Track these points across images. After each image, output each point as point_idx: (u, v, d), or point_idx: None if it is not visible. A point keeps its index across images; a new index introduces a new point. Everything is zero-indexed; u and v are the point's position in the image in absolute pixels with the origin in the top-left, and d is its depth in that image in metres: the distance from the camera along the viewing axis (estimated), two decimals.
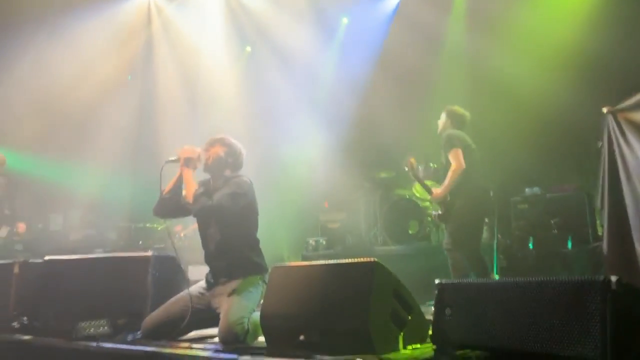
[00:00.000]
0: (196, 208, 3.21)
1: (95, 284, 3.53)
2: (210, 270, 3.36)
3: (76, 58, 7.81)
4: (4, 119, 7.65)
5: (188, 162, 3.32)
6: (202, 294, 3.31)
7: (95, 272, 3.60)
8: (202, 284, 3.37)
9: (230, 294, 3.15)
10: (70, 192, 8.15)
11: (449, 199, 4.29)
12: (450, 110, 4.64)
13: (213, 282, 3.29)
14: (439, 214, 4.37)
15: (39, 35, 7.49)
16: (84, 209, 8.33)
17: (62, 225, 8.39)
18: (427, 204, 6.41)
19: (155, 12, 8.63)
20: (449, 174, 4.25)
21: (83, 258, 3.84)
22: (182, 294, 3.31)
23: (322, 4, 8.07)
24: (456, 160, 4.22)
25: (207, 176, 3.48)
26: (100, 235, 8.00)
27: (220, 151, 3.38)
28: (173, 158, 3.38)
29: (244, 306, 3.08)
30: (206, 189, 3.34)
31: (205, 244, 3.38)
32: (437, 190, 4.37)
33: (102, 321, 3.32)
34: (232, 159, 3.38)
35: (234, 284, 3.20)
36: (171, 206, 3.39)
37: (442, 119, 4.63)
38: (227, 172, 3.37)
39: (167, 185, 3.38)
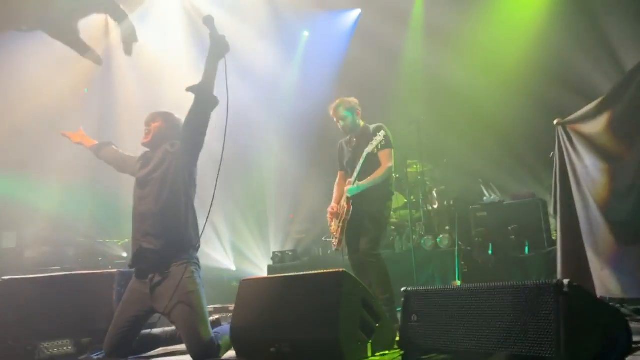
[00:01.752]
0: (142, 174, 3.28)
1: (57, 303, 3.44)
2: (139, 256, 3.14)
3: (30, 70, 7.60)
4: None
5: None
6: (140, 297, 3.13)
7: (57, 291, 3.51)
8: (133, 283, 3.19)
9: (180, 301, 2.99)
10: (24, 208, 7.88)
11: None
12: (353, 101, 4.13)
13: (146, 274, 3.11)
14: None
15: None
16: (39, 226, 8.05)
17: (15, 242, 8.09)
18: (392, 213, 6.54)
19: (113, 24, 8.49)
20: (380, 171, 3.86)
21: (44, 277, 3.74)
22: (121, 305, 3.16)
23: (283, 18, 8.16)
24: (389, 159, 3.88)
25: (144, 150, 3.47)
26: (58, 252, 7.75)
27: (161, 125, 3.40)
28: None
29: (205, 316, 3.00)
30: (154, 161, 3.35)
31: (139, 221, 3.20)
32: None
33: (65, 341, 3.24)
34: (173, 131, 3.40)
35: (175, 278, 3.03)
36: (107, 158, 3.77)
37: (347, 114, 4.06)
38: (167, 145, 3.35)
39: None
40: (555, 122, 3.98)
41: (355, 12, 8.40)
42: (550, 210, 4.53)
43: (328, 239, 4.21)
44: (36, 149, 7.89)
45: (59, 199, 7.90)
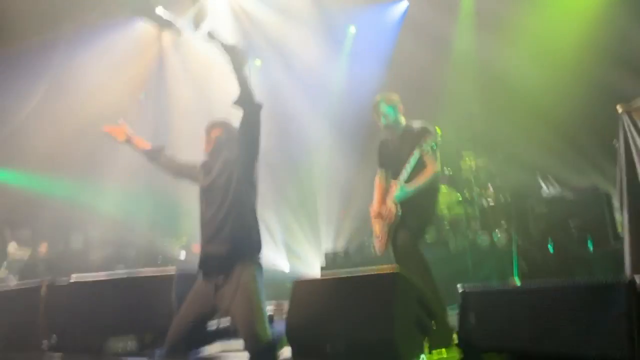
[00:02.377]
0: (206, 183, 3.33)
1: (122, 301, 3.59)
2: (206, 259, 3.27)
3: (90, 78, 7.97)
4: (24, 141, 7.82)
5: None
6: (204, 298, 3.23)
7: (121, 291, 3.67)
8: (201, 284, 3.29)
9: (241, 298, 3.08)
10: (89, 211, 8.29)
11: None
12: (394, 97, 3.97)
13: (211, 275, 3.23)
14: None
15: (54, 57, 7.65)
16: (103, 228, 8.45)
17: (82, 244, 8.54)
18: (445, 210, 6.40)
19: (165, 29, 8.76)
20: (427, 174, 3.71)
21: (108, 278, 3.91)
22: (186, 304, 3.28)
23: (329, 13, 8.14)
24: (435, 160, 3.74)
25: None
26: (121, 253, 8.12)
27: (221, 134, 3.46)
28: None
29: (264, 314, 3.05)
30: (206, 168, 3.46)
31: (205, 226, 3.34)
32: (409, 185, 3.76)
33: (129, 337, 3.38)
34: (232, 139, 3.46)
35: (236, 277, 3.13)
36: (167, 167, 3.79)
37: (389, 110, 3.90)
38: (227, 152, 3.41)
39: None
40: (619, 109, 3.75)
41: (403, 5, 8.27)
42: (616, 203, 4.30)
43: (372, 240, 4.10)
44: (97, 153, 8.27)
45: (120, 202, 8.27)
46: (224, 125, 3.55)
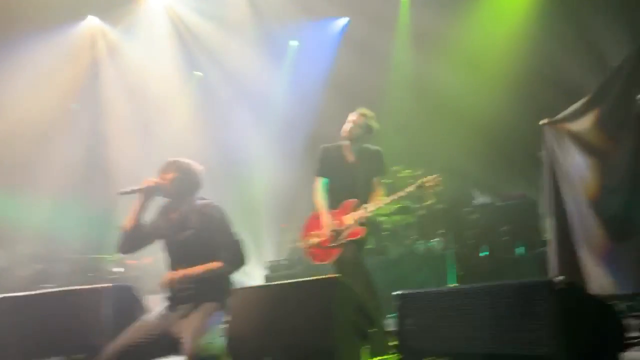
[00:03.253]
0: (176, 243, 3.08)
1: (50, 320, 3.39)
2: (174, 294, 3.18)
3: (18, 86, 7.57)
4: None
5: (150, 192, 3.16)
6: (160, 320, 3.17)
7: (48, 308, 3.46)
8: (160, 309, 3.25)
9: (192, 317, 3.05)
10: (15, 226, 7.79)
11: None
12: (375, 124, 4.05)
13: (175, 303, 3.16)
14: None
15: None
16: (31, 243, 7.97)
17: (6, 260, 8.01)
18: (383, 218, 6.53)
19: (100, 36, 8.48)
20: (378, 200, 3.87)
21: (35, 294, 3.69)
22: (138, 322, 3.18)
23: (270, 28, 8.18)
24: (381, 186, 3.96)
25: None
26: (50, 269, 7.67)
27: (177, 175, 3.31)
28: (132, 188, 3.23)
29: (209, 328, 3.00)
30: (172, 218, 3.23)
31: (172, 267, 3.19)
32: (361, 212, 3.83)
33: (58, 358, 3.20)
34: (191, 181, 3.32)
35: (198, 301, 3.04)
36: (137, 241, 3.26)
37: (364, 126, 3.97)
38: (188, 196, 3.28)
39: (127, 220, 3.15)
40: (541, 122, 4.00)
41: (343, 20, 8.44)
42: (542, 209, 4.55)
43: (301, 246, 4.11)
44: (24, 165, 7.83)
45: (49, 215, 7.84)
46: (178, 166, 3.22)
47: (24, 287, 6.24)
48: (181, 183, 3.18)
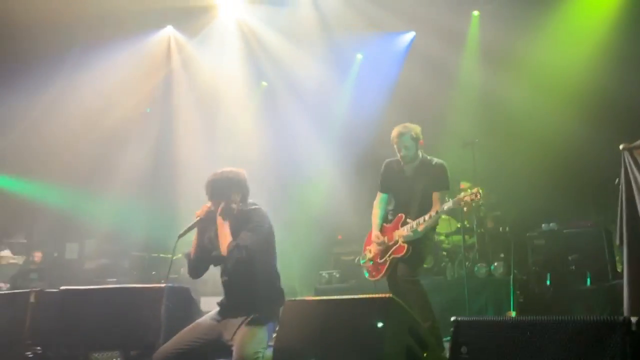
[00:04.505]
0: (230, 264, 3.13)
1: (110, 314, 3.53)
2: (227, 298, 3.30)
3: (98, 91, 8.05)
4: (26, 149, 7.85)
5: (204, 221, 3.23)
6: (213, 324, 3.25)
7: (109, 303, 3.60)
8: (214, 313, 3.32)
9: (243, 325, 3.09)
10: (86, 222, 8.26)
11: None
12: (417, 130, 3.90)
13: (227, 309, 3.23)
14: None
15: (63, 69, 7.74)
16: (99, 239, 8.41)
17: (77, 254, 8.49)
18: (442, 237, 6.36)
19: (176, 48, 8.87)
20: (434, 214, 3.72)
21: (98, 288, 3.86)
22: (192, 325, 3.27)
23: (337, 40, 8.24)
24: (443, 201, 3.76)
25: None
26: (115, 264, 8.06)
27: (223, 199, 3.21)
28: (188, 227, 3.24)
29: (258, 339, 3.02)
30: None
31: (221, 275, 3.33)
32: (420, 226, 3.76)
33: (114, 353, 3.31)
34: (239, 192, 3.28)
35: (248, 313, 3.15)
36: (203, 264, 3.32)
37: (411, 143, 3.86)
38: (237, 204, 3.25)
39: (192, 248, 3.29)
40: (621, 147, 3.74)
41: (410, 35, 8.37)
42: (616, 240, 4.25)
43: (361, 262, 4.06)
44: (98, 165, 8.29)
45: (118, 214, 8.24)
46: (231, 182, 3.25)
47: (90, 280, 6.59)
48: (226, 204, 3.19)
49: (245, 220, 3.19)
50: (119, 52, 7.99)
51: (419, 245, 3.79)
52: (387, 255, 3.81)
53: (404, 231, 3.78)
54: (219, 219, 3.19)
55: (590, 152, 6.23)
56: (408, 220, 3.81)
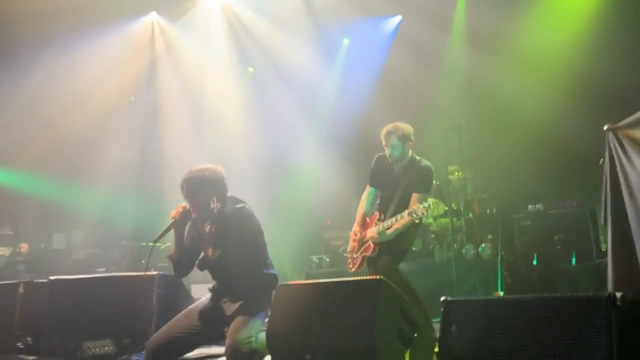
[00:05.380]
0: (219, 270, 3.15)
1: (100, 303, 3.53)
2: (217, 285, 3.31)
3: (81, 78, 7.92)
4: (8, 139, 7.73)
5: (180, 222, 3.17)
6: (206, 310, 3.26)
7: (100, 292, 3.61)
8: (206, 299, 3.32)
9: (236, 311, 3.11)
10: (73, 212, 8.18)
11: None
12: (407, 130, 3.85)
13: (219, 295, 3.25)
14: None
15: (45, 56, 7.60)
16: (87, 228, 8.34)
17: (65, 244, 8.42)
18: (430, 220, 6.42)
19: (159, 32, 8.75)
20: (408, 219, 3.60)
21: (88, 278, 3.86)
22: (185, 311, 3.27)
23: (323, 25, 8.18)
24: (419, 203, 3.64)
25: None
26: (104, 254, 8.01)
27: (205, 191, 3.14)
28: (164, 230, 3.17)
29: (251, 324, 3.04)
30: (204, 231, 3.23)
31: (216, 280, 3.33)
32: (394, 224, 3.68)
33: (106, 341, 3.32)
34: (217, 192, 3.16)
35: (240, 301, 3.17)
36: (187, 264, 3.28)
37: (398, 143, 3.81)
38: (215, 204, 3.14)
39: (172, 251, 3.24)
40: (605, 127, 3.79)
41: (396, 19, 8.33)
42: (600, 220, 4.33)
43: (345, 254, 4.10)
44: (84, 154, 8.19)
45: (106, 203, 8.17)
46: (206, 182, 3.14)
47: (79, 270, 6.55)
48: (204, 205, 3.11)
49: (227, 222, 3.12)
50: (102, 38, 7.85)
51: (399, 238, 3.74)
52: (359, 251, 3.84)
53: (373, 231, 3.79)
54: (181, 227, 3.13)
55: (575, 133, 6.30)
56: (381, 220, 3.81)
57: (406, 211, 3.58)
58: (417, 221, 3.61)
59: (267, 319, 3.12)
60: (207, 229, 3.22)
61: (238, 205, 3.19)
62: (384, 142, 3.90)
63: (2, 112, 7.71)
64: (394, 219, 3.70)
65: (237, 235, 3.09)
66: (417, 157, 3.92)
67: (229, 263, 3.11)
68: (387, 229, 3.69)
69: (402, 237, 3.78)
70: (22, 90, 7.71)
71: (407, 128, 3.88)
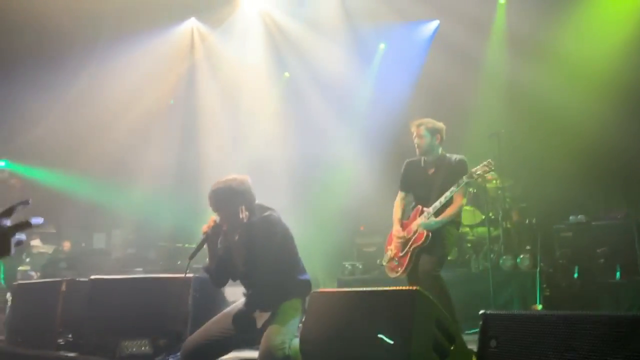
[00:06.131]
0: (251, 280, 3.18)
1: (138, 303, 3.61)
2: (249, 295, 3.33)
3: (123, 84, 8.15)
4: (54, 142, 8.02)
5: (212, 236, 3.19)
6: (241, 314, 3.29)
7: (138, 292, 3.68)
8: (240, 303, 3.35)
9: (271, 317, 3.13)
10: (114, 212, 8.41)
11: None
12: (438, 125, 3.91)
13: (251, 304, 3.27)
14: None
15: (90, 62, 7.86)
16: (126, 229, 8.55)
17: (105, 243, 8.67)
18: (467, 229, 6.29)
19: (199, 39, 8.92)
20: (456, 206, 3.75)
21: (127, 278, 3.95)
22: (220, 315, 3.31)
23: (359, 30, 8.17)
24: (464, 194, 3.80)
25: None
26: (141, 254, 8.19)
27: (226, 211, 3.14)
28: (196, 246, 3.20)
29: (285, 330, 3.05)
30: (233, 240, 3.26)
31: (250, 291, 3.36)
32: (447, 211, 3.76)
33: (144, 341, 3.38)
34: (245, 202, 3.17)
35: (271, 310, 3.19)
36: (223, 274, 3.31)
37: (426, 134, 3.87)
38: (244, 214, 3.16)
39: (208, 260, 3.28)
40: None
41: (434, 24, 8.24)
42: None
43: (383, 264, 4.06)
44: (126, 157, 8.42)
45: (144, 204, 8.37)
46: (232, 196, 3.14)
47: (117, 269, 6.72)
48: (233, 216, 3.13)
49: (255, 231, 3.14)
50: (143, 44, 8.06)
51: (440, 236, 3.74)
52: (408, 247, 3.80)
53: (420, 219, 3.78)
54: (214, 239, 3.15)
55: (620, 142, 6.08)
56: (425, 209, 3.81)
57: (463, 178, 3.64)
58: (479, 180, 3.62)
59: (300, 325, 3.12)
60: (236, 238, 3.26)
61: (265, 214, 3.20)
62: (414, 134, 3.93)
63: (48, 117, 8.01)
64: (437, 202, 3.71)
65: (265, 243, 3.10)
66: (448, 154, 3.92)
67: (258, 272, 3.13)
68: (436, 210, 3.71)
69: (444, 239, 3.76)
70: (68, 94, 7.98)
71: (439, 124, 3.93)
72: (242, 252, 3.20)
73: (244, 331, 3.18)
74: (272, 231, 3.14)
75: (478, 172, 3.69)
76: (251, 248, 3.13)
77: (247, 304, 3.29)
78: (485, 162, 3.69)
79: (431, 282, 3.60)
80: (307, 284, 3.28)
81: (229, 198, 3.13)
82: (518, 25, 7.13)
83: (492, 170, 3.68)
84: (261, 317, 3.16)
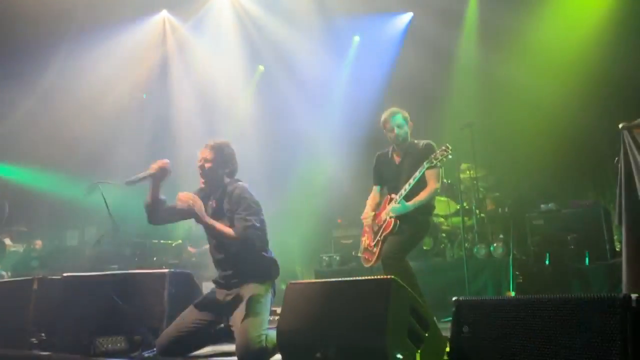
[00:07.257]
0: (241, 243, 3.19)
1: (113, 300, 3.55)
2: (219, 275, 3.38)
3: (93, 77, 7.98)
4: (23, 137, 7.81)
5: (157, 177, 3.33)
6: (211, 303, 3.30)
7: (112, 289, 3.63)
8: (210, 292, 3.36)
9: (243, 307, 3.13)
10: (86, 209, 8.24)
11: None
12: (406, 113, 3.97)
13: (223, 285, 3.29)
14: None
15: (58, 56, 7.66)
16: (100, 226, 8.40)
17: (78, 241, 8.50)
18: (442, 219, 6.39)
19: (170, 32, 8.78)
20: (428, 191, 3.75)
21: (101, 274, 3.88)
22: (190, 307, 3.32)
23: (334, 22, 8.16)
24: (437, 180, 3.77)
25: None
26: (116, 251, 8.06)
27: (211, 162, 3.32)
28: (137, 177, 3.32)
29: (260, 321, 3.07)
30: (208, 205, 3.33)
31: (214, 252, 3.41)
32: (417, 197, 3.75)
33: (119, 337, 3.35)
34: (233, 168, 3.36)
35: (244, 292, 3.20)
36: (161, 214, 3.49)
37: (404, 122, 3.90)
38: (225, 179, 3.33)
39: (147, 197, 3.43)
40: (620, 125, 3.73)
41: (407, 16, 8.29)
42: (615, 219, 4.27)
43: (359, 255, 4.09)
44: (98, 151, 8.26)
45: (117, 200, 8.23)
46: (215, 150, 3.34)
47: (91, 266, 6.60)
48: (220, 177, 3.29)
49: (227, 197, 3.25)
50: (114, 37, 7.90)
51: (408, 222, 3.74)
52: (379, 235, 3.82)
53: (390, 206, 3.79)
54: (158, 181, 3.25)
55: (589, 131, 6.23)
56: (393, 196, 3.83)
57: (425, 162, 3.63)
58: (439, 165, 3.64)
59: (276, 317, 3.13)
60: (210, 204, 3.34)
61: (239, 182, 3.35)
62: (389, 125, 3.90)
63: (16, 111, 7.79)
64: (407, 185, 3.71)
65: (235, 208, 3.21)
66: (415, 140, 3.95)
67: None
68: (406, 199, 3.70)
69: (413, 225, 3.76)
70: (36, 89, 7.78)
71: (405, 112, 3.97)
72: (214, 218, 3.24)
73: (216, 320, 3.21)
74: (252, 199, 3.25)
75: (437, 157, 3.65)
76: (221, 213, 3.24)
77: (216, 288, 3.31)
78: (443, 147, 3.65)
79: (391, 262, 3.57)
80: (275, 262, 3.33)
81: (228, 159, 3.30)
82: (490, 16, 7.23)
83: (450, 154, 3.63)
84: (230, 295, 3.19)
